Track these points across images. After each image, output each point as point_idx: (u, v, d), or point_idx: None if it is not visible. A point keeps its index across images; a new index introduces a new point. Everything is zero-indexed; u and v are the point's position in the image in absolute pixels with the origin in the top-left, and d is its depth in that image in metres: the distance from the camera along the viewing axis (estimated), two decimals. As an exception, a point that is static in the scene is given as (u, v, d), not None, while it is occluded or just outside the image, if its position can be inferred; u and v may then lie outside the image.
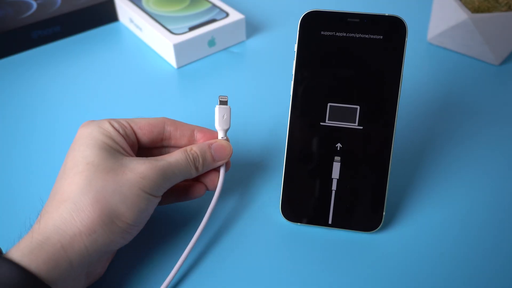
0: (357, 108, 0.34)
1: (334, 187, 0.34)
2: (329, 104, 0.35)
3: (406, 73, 0.53)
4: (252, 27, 0.61)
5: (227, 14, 0.57)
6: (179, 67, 0.54)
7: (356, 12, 0.34)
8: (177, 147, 0.36)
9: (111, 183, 0.29)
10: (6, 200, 0.40)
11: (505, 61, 0.54)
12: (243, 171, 0.42)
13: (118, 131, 0.33)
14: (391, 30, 0.34)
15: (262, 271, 0.34)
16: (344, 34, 0.34)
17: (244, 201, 0.39)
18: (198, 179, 0.36)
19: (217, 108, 0.35)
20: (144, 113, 0.48)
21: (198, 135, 0.36)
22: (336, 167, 0.34)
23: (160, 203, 0.35)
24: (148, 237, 0.36)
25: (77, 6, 0.59)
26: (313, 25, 0.35)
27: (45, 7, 0.59)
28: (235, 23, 0.56)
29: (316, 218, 0.35)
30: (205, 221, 0.34)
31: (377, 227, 0.34)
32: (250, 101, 0.50)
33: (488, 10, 0.51)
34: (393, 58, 0.34)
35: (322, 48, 0.35)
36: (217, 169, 0.36)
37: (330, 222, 0.34)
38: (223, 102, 0.36)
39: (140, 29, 0.58)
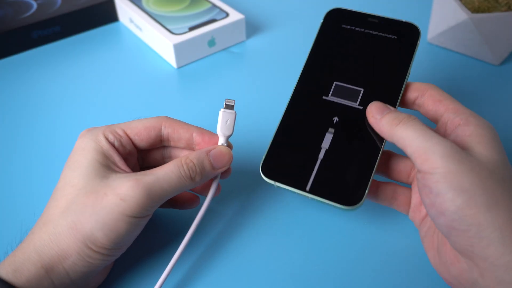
0: (360, 90, 0.35)
1: (321, 155, 0.33)
2: (335, 83, 0.36)
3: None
4: (252, 27, 0.61)
5: (227, 14, 0.57)
6: (179, 67, 0.54)
7: (376, 15, 0.38)
8: (177, 147, 0.35)
9: (89, 208, 0.29)
10: (5, 201, 0.40)
11: (505, 61, 0.54)
12: (242, 171, 0.42)
13: (113, 144, 0.32)
14: (405, 33, 0.37)
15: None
16: (362, 30, 0.38)
17: (243, 205, 0.39)
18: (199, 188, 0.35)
19: (221, 112, 0.34)
20: (144, 113, 0.48)
21: (197, 138, 0.34)
22: (328, 138, 0.34)
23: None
24: (139, 240, 0.35)
25: (77, 6, 0.59)
26: (336, 18, 0.39)
27: (45, 7, 0.59)
28: (235, 23, 0.56)
29: (296, 181, 0.33)
30: (193, 228, 0.33)
31: (356, 204, 0.31)
32: (250, 101, 0.50)
33: (488, 10, 0.51)
34: (403, 55, 0.36)
35: (341, 37, 0.38)
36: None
37: (308, 188, 0.32)
38: (229, 107, 0.35)
39: (140, 29, 0.58)
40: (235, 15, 0.57)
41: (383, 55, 0.36)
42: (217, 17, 0.56)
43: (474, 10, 0.51)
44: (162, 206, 0.35)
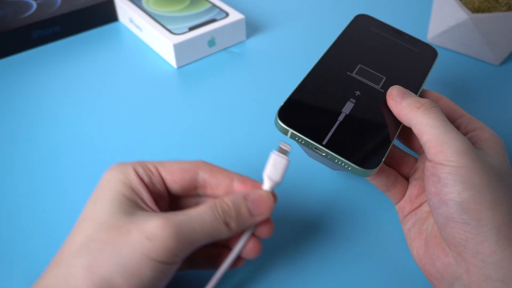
0: (383, 77, 0.37)
1: (341, 118, 0.33)
2: (359, 65, 0.37)
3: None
4: (252, 27, 0.61)
5: (227, 14, 0.57)
6: (179, 67, 0.54)
7: (402, 31, 0.41)
8: (215, 197, 0.30)
9: (109, 246, 0.25)
10: (5, 201, 0.40)
11: (505, 61, 0.54)
12: (241, 171, 0.42)
13: (142, 179, 0.28)
14: (424, 50, 0.40)
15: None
16: (388, 36, 0.41)
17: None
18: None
19: (273, 155, 0.30)
20: (144, 113, 0.48)
21: (237, 185, 0.30)
22: (349, 105, 0.34)
23: (178, 270, 0.29)
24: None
25: (77, 6, 0.59)
26: (363, 22, 0.42)
27: (45, 7, 0.59)
28: (235, 23, 0.56)
29: (313, 132, 0.31)
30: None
31: (372, 168, 0.30)
32: (250, 101, 0.50)
33: (488, 10, 0.51)
34: (421, 66, 0.38)
35: (368, 35, 0.40)
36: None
37: (325, 142, 0.31)
38: (283, 151, 0.31)
39: (140, 29, 0.58)
40: (235, 15, 0.57)
41: (405, 60, 0.39)
42: (217, 17, 0.56)
43: (474, 10, 0.51)
44: (189, 267, 0.31)
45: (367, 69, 0.37)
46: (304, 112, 0.33)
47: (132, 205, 0.27)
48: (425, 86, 0.51)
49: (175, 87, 0.52)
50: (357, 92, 0.35)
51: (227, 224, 0.27)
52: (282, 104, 0.33)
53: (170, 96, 0.51)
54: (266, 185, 0.30)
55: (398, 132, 0.33)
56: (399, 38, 0.40)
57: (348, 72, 0.36)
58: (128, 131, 0.46)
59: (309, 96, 0.34)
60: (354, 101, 0.34)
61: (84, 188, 0.41)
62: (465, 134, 0.32)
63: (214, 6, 0.59)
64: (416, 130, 0.30)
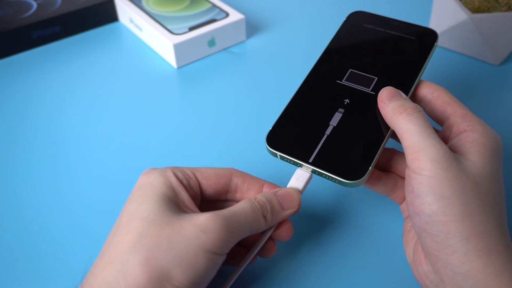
0: (375, 78, 0.36)
1: (328, 132, 0.33)
2: (350, 70, 0.37)
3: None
4: (252, 27, 0.61)
5: (227, 14, 0.57)
6: (179, 67, 0.54)
7: (398, 19, 0.40)
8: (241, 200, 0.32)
9: (165, 241, 0.26)
10: (5, 201, 0.40)
11: (505, 61, 0.54)
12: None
13: (181, 182, 0.30)
14: (423, 36, 0.38)
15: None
16: (382, 29, 0.39)
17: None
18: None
19: (297, 170, 0.33)
20: (144, 113, 0.48)
21: (266, 190, 0.32)
22: (337, 116, 0.34)
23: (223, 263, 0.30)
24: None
25: (77, 6, 0.59)
26: (359, 19, 0.41)
27: (45, 7, 0.59)
28: (235, 23, 0.56)
29: (299, 152, 0.33)
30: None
31: (358, 178, 0.31)
32: (250, 101, 0.50)
33: (488, 10, 0.51)
34: (419, 55, 0.37)
35: (361, 33, 0.40)
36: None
37: (311, 160, 0.32)
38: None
39: (140, 29, 0.58)
40: (235, 15, 0.57)
41: (400, 51, 0.38)
42: (217, 17, 0.56)
43: (474, 10, 0.51)
44: (232, 262, 0.32)
45: (358, 72, 0.37)
46: (292, 132, 0.34)
47: (176, 205, 0.28)
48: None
49: (175, 87, 0.52)
50: (346, 100, 0.35)
51: (264, 217, 0.29)
52: (270, 128, 0.34)
53: (170, 96, 0.51)
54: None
55: (388, 136, 0.33)
56: (395, 29, 0.39)
57: (337, 81, 0.36)
58: (128, 131, 0.46)
59: (297, 114, 0.35)
60: (342, 111, 0.34)
61: (84, 187, 0.41)
62: (456, 134, 0.31)
63: (214, 6, 0.59)
64: (398, 135, 0.30)
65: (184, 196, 0.29)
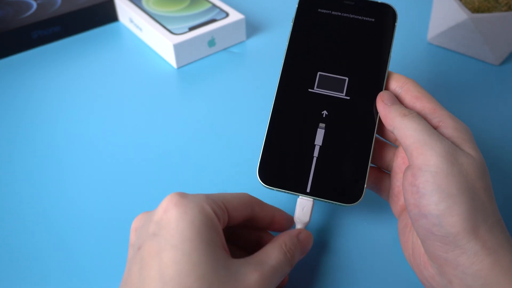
0: (345, 79, 0.35)
1: (316, 153, 0.33)
2: (319, 73, 0.35)
3: (405, 72, 0.53)
4: (252, 27, 0.61)
5: (227, 14, 0.57)
6: (179, 67, 0.54)
7: None
8: (253, 227, 0.32)
9: None
10: (5, 201, 0.40)
11: (505, 61, 0.54)
12: (242, 172, 0.42)
13: (219, 219, 0.27)
14: (382, 15, 0.36)
15: None
16: (339, 14, 0.37)
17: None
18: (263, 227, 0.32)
19: (299, 199, 0.33)
20: (144, 113, 0.48)
21: (277, 219, 0.32)
22: (320, 134, 0.34)
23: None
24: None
25: (77, 6, 0.59)
26: (312, 2, 0.38)
27: (45, 7, 0.59)
28: (235, 23, 0.56)
29: (295, 184, 0.33)
30: None
31: (357, 200, 0.32)
32: (250, 101, 0.50)
33: (488, 10, 0.51)
34: (383, 39, 0.36)
35: (318, 23, 0.37)
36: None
37: (308, 190, 0.33)
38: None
39: (140, 29, 0.58)
40: (235, 15, 0.57)
41: (363, 39, 0.36)
42: (217, 17, 0.56)
43: (474, 10, 0.51)
44: None
45: (328, 75, 0.35)
46: (281, 163, 0.34)
47: (220, 249, 0.26)
48: (424, 84, 0.51)
49: (175, 87, 0.52)
50: (324, 112, 0.34)
51: (291, 264, 0.29)
52: (259, 161, 0.34)
53: (170, 96, 0.51)
54: (299, 226, 0.33)
55: (373, 144, 0.33)
56: (350, 11, 0.37)
57: (309, 89, 0.35)
58: (128, 131, 0.46)
59: (280, 140, 0.34)
60: (323, 126, 0.34)
61: (84, 187, 0.41)
62: None
63: (214, 6, 0.59)
64: (399, 135, 0.30)
65: (223, 235, 0.27)
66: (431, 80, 0.52)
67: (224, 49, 0.57)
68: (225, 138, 0.45)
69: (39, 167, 0.43)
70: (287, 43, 0.37)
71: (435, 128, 0.31)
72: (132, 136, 0.46)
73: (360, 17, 0.36)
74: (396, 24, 0.36)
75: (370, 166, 0.34)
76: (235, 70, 0.54)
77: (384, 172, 0.35)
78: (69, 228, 0.37)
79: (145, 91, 0.51)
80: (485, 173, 0.29)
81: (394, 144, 0.35)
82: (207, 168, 0.42)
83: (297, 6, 0.38)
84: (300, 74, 0.35)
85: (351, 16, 0.36)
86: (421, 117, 0.31)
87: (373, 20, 0.36)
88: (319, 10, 0.37)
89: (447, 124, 0.31)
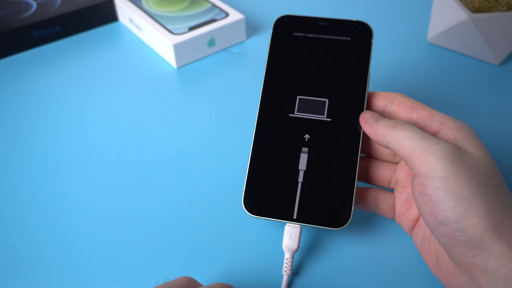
0: (325, 101, 0.35)
1: (300, 179, 0.33)
2: (298, 97, 0.35)
3: (405, 72, 0.53)
4: (252, 27, 0.61)
5: (227, 14, 0.57)
6: (179, 67, 0.54)
7: (325, 17, 0.37)
8: None
9: None
10: (6, 201, 0.40)
11: (505, 61, 0.54)
12: (242, 172, 0.42)
13: None
14: (357, 33, 0.36)
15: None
16: (315, 35, 0.37)
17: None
18: None
19: (286, 227, 0.33)
20: (144, 113, 0.48)
21: None
22: (304, 158, 0.33)
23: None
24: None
25: (77, 6, 0.59)
26: (286, 27, 0.37)
27: (45, 7, 0.59)
28: (235, 23, 0.56)
29: (281, 212, 0.33)
30: None
31: (345, 223, 0.32)
32: (250, 101, 0.50)
33: (488, 10, 0.51)
34: (360, 57, 0.35)
35: (293, 47, 0.37)
36: None
37: (295, 216, 0.32)
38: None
39: (140, 29, 0.58)
40: (235, 15, 0.57)
41: (340, 59, 0.36)
42: (217, 17, 0.56)
43: (474, 10, 0.51)
44: None
45: (307, 98, 0.35)
46: (266, 191, 0.33)
47: None
48: (424, 84, 0.51)
49: (175, 87, 0.52)
50: (306, 136, 0.34)
51: None
52: (243, 191, 0.33)
53: (170, 96, 0.51)
54: (287, 255, 0.33)
55: (358, 164, 0.33)
56: (326, 31, 0.36)
57: (290, 114, 0.35)
58: (127, 131, 0.46)
59: (263, 168, 0.34)
60: (306, 150, 0.34)
61: (84, 186, 0.41)
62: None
63: (214, 6, 0.59)
64: (395, 147, 0.29)
65: None
66: (431, 80, 0.52)
67: (224, 49, 0.57)
68: (225, 138, 0.45)
69: (39, 167, 0.43)
70: (264, 69, 0.36)
71: (437, 131, 0.30)
72: (132, 136, 0.46)
73: (335, 37, 0.36)
74: (372, 41, 0.36)
75: (368, 187, 0.35)
76: (235, 70, 0.54)
77: (384, 191, 0.35)
78: (69, 228, 0.37)
79: (145, 91, 0.51)
80: (495, 170, 0.28)
81: (392, 161, 0.35)
82: (207, 168, 0.42)
83: (271, 31, 0.37)
84: (280, 99, 0.35)
85: (327, 37, 0.36)
86: (411, 124, 0.30)
87: (349, 39, 0.36)
88: (294, 33, 0.37)
89: (449, 125, 0.30)
